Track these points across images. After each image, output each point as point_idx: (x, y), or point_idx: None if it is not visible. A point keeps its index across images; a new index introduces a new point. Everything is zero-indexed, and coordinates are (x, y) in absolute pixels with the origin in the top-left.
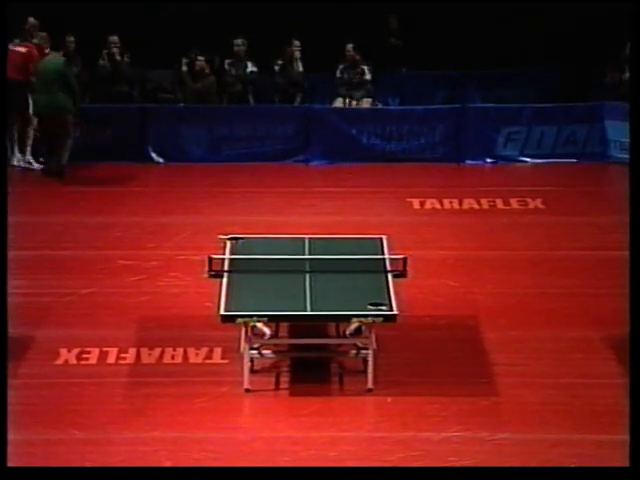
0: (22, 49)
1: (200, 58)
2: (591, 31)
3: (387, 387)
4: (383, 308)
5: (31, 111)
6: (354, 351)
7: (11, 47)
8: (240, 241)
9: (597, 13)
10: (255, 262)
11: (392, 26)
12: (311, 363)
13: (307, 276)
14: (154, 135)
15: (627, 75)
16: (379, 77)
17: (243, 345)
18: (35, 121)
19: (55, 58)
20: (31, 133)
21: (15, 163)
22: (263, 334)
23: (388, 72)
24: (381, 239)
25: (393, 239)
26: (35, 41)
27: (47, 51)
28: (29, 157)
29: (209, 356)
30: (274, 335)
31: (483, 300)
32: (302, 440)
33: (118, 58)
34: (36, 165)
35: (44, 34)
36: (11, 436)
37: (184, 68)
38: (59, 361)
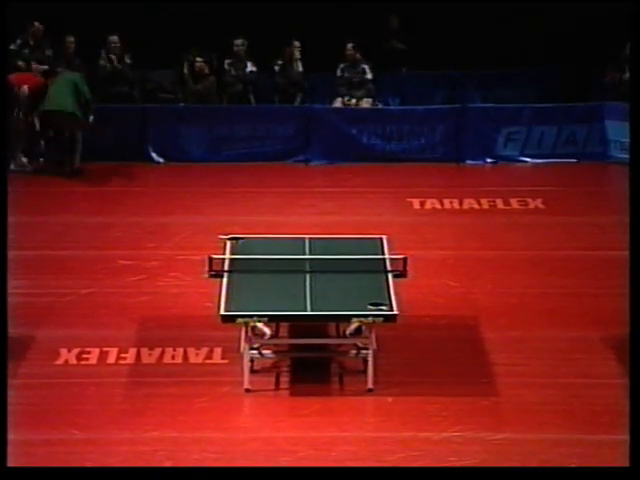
0: (38, 75)
1: (199, 59)
2: (591, 31)
3: (387, 387)
4: (383, 308)
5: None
6: (354, 351)
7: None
8: (240, 241)
9: (597, 13)
10: (255, 262)
11: (393, 26)
12: (311, 363)
13: (307, 276)
14: (154, 135)
15: (627, 75)
16: (379, 77)
17: (243, 345)
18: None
19: (72, 73)
20: (18, 136)
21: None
22: (263, 334)
23: (388, 72)
24: (381, 239)
25: (393, 239)
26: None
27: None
28: (22, 159)
29: (209, 356)
30: (274, 335)
31: (483, 300)
32: (302, 440)
33: (113, 64)
34: (30, 167)
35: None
36: (11, 436)
37: (185, 70)
38: (59, 361)
